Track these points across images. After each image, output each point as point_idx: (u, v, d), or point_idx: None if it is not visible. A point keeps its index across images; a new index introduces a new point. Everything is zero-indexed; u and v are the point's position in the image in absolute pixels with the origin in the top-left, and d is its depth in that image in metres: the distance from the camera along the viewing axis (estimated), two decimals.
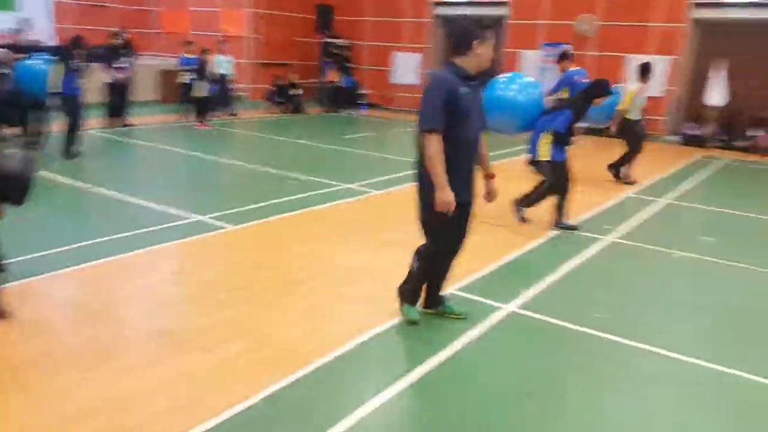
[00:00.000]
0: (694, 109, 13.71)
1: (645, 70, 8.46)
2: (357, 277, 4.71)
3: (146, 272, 4.60)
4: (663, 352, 3.72)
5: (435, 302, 4.02)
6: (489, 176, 3.81)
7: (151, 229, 5.49)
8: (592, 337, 3.88)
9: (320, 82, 16.97)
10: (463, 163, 3.48)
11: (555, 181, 5.89)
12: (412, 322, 3.85)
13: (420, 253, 3.79)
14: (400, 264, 4.97)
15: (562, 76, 8.59)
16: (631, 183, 8.47)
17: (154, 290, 4.30)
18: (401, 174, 8.47)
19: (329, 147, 10.73)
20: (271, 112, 15.17)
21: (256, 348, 3.49)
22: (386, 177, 8.25)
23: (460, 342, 3.69)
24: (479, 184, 3.74)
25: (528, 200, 6.12)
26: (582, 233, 6.05)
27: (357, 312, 4.08)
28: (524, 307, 4.25)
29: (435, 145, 3.34)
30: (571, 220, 6.14)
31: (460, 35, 3.47)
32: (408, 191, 7.70)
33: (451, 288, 4.49)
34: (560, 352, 3.71)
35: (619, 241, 5.94)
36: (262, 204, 6.55)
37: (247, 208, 6.38)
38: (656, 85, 13.49)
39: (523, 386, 3.27)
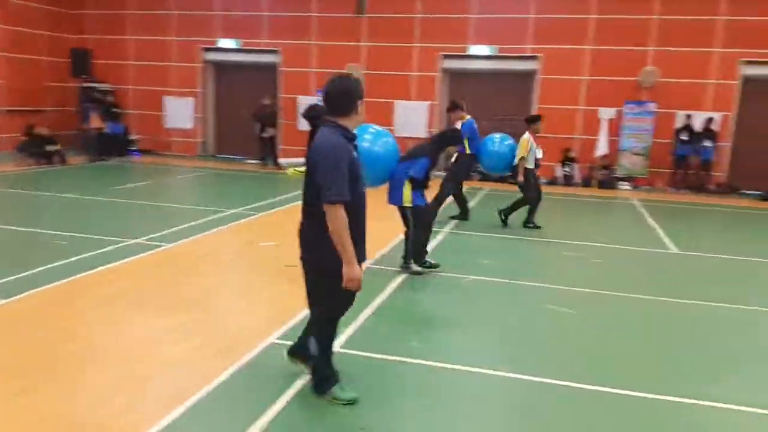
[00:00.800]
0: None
1: (532, 120, 8.95)
2: (162, 339, 4.36)
3: None
4: (474, 369, 4.08)
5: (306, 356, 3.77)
6: None
7: None
8: (412, 366, 4.09)
9: (82, 130, 15.49)
10: (361, 227, 3.34)
11: (419, 224, 6.13)
12: (351, 401, 3.51)
13: (317, 337, 3.50)
14: (203, 321, 4.76)
15: (461, 125, 8.88)
16: (536, 227, 8.81)
17: None
18: (190, 224, 8.10)
19: (102, 200, 9.81)
20: (24, 164, 13.41)
21: None
22: (174, 228, 7.80)
23: (293, 390, 3.63)
24: None
25: (412, 254, 6.24)
26: (385, 267, 6.39)
27: (170, 379, 3.78)
28: (346, 346, 4.33)
29: (342, 216, 3.11)
30: (377, 254, 6.48)
31: (345, 95, 3.31)
32: (199, 241, 7.48)
33: (271, 337, 4.42)
34: (385, 384, 3.84)
35: (415, 270, 6.37)
36: (33, 271, 5.74)
37: (15, 277, 5.53)
38: (421, 127, 14.95)
39: (358, 422, 3.33)
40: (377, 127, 6.12)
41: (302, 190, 3.37)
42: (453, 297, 5.76)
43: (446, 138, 6.55)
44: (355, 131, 3.40)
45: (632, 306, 5.69)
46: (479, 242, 8.07)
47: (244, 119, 15.48)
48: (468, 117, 9.01)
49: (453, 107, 9.03)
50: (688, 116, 13.69)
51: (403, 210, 6.13)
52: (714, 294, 6.06)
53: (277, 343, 4.28)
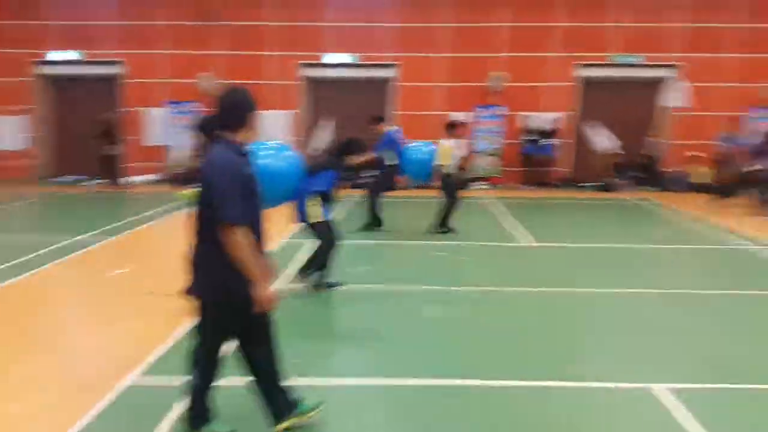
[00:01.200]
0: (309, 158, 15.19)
1: (451, 126, 8.80)
2: (7, 391, 3.80)
3: None
4: (354, 381, 4.01)
5: (285, 409, 3.35)
6: None
7: None
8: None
9: None
10: (259, 246, 3.04)
11: (327, 240, 5.85)
12: None
13: (199, 370, 3.19)
14: (54, 366, 4.21)
15: (382, 137, 8.60)
16: (451, 231, 8.78)
17: None
18: (28, 257, 7.21)
19: None
20: None
21: None
22: (9, 263, 6.87)
23: (170, 421, 3.29)
24: None
25: (314, 265, 5.97)
26: None
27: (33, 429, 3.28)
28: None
29: (241, 238, 2.90)
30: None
31: (234, 108, 3.10)
32: (41, 275, 6.64)
33: (131, 375, 3.98)
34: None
35: (292, 285, 6.12)
36: None
37: None
38: (285, 137, 14.62)
39: None
40: (277, 143, 5.80)
41: (196, 210, 3.08)
42: (330, 308, 5.64)
43: (347, 146, 6.30)
44: (248, 146, 3.18)
45: (504, 299, 5.90)
46: (351, 249, 7.97)
47: (86, 136, 14.20)
48: (389, 128, 8.98)
49: (374, 120, 8.94)
50: (533, 117, 14.69)
51: (312, 226, 5.91)
52: (573, 280, 6.50)
53: (139, 382, 3.86)
